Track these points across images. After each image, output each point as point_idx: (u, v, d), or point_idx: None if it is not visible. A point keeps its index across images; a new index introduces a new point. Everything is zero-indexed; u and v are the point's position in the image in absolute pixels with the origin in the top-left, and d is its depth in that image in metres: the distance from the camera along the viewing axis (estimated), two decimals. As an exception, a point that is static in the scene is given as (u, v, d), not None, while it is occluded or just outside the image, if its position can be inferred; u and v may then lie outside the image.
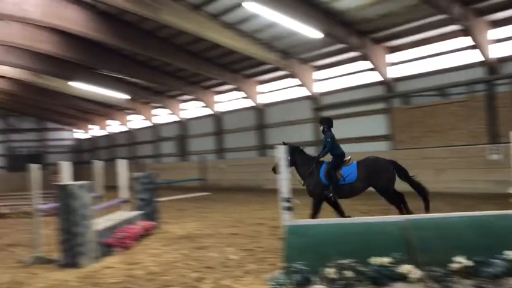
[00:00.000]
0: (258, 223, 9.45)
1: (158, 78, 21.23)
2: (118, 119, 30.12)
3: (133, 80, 22.61)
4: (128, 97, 24.83)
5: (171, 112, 25.52)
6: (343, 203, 8.39)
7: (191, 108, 25.01)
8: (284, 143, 7.83)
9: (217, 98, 22.94)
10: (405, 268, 3.96)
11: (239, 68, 19.33)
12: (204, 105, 22.98)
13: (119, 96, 24.02)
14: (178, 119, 25.40)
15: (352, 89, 16.68)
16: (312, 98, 17.93)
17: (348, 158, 8.20)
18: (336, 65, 17.03)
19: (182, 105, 25.39)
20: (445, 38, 13.92)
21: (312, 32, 13.35)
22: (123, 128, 30.43)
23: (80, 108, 29.91)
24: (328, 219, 5.11)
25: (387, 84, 15.46)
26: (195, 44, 17.30)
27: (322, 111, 17.77)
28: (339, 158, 8.14)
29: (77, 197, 6.48)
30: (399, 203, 7.89)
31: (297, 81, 17.93)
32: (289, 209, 5.03)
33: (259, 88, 20.52)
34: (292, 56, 17.04)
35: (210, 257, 6.49)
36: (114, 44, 17.30)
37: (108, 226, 7.47)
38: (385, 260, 4.02)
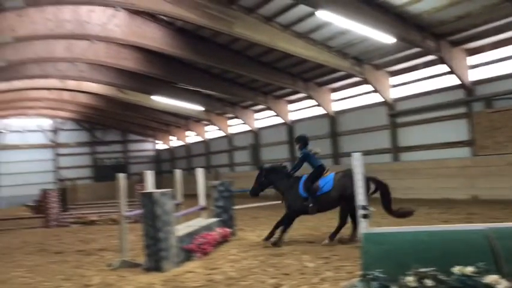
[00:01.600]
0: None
1: (232, 89, 21.82)
2: (195, 130, 31.24)
3: (209, 92, 23.40)
4: (204, 109, 25.76)
5: (244, 122, 26.05)
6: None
7: (264, 118, 25.37)
8: (259, 167, 9.37)
9: (289, 106, 23.09)
10: (491, 278, 3.79)
11: (311, 77, 19.35)
12: (277, 114, 23.22)
13: (195, 108, 25.00)
14: (251, 129, 25.86)
15: (429, 93, 16.06)
16: (387, 104, 17.51)
17: (326, 170, 8.62)
18: (412, 69, 16.50)
19: (255, 115, 25.83)
20: (530, 36, 13.08)
21: (385, 37, 13.10)
22: (200, 139, 31.47)
23: (160, 121, 31.42)
24: (405, 227, 5.01)
25: (467, 87, 14.74)
26: (267, 55, 17.61)
27: (399, 117, 17.29)
28: (318, 170, 8.52)
29: (160, 204, 6.85)
30: (354, 219, 7.61)
31: (370, 87, 17.61)
32: (365, 216, 5.02)
33: (332, 96, 20.38)
34: (365, 62, 16.79)
35: (286, 264, 6.58)
36: (191, 59, 18.09)
37: (188, 232, 7.81)
38: (469, 270, 3.87)
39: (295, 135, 22.51)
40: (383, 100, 17.51)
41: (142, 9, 13.60)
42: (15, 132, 32.87)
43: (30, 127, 33.44)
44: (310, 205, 8.26)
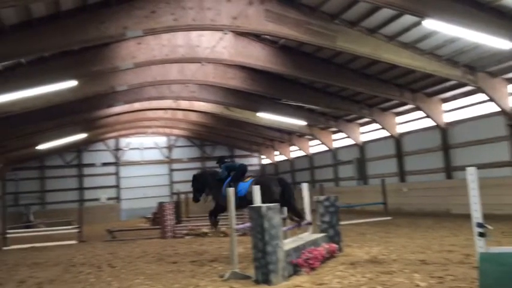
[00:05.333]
0: (447, 250, 8.89)
1: (335, 103, 21.72)
2: (298, 145, 31.50)
3: (312, 106, 23.54)
4: (307, 123, 25.92)
5: (348, 136, 25.70)
6: None
7: (369, 131, 24.81)
8: (193, 175, 10.59)
9: (396, 119, 22.35)
10: None
11: (419, 87, 18.58)
12: (383, 127, 22.59)
13: (299, 123, 25.26)
14: (356, 143, 25.42)
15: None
16: (506, 113, 16.17)
17: (247, 176, 9.74)
18: (534, 75, 15.14)
19: (360, 129, 25.38)
20: None
21: (501, 43, 12.20)
22: (303, 153, 31.65)
23: (264, 136, 32.24)
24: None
25: None
26: (371, 67, 17.32)
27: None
28: (240, 167, 9.87)
29: (267, 218, 7.06)
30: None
31: (485, 96, 16.42)
32: (482, 235, 4.73)
33: (443, 106, 19.34)
34: (478, 70, 15.72)
35: (396, 282, 6.39)
36: (294, 75, 18.40)
37: (295, 246, 7.92)
38: None
39: (403, 149, 21.89)
40: (500, 109, 16.22)
41: (247, 30, 14.19)
42: (134, 150, 35.91)
43: (148, 144, 36.28)
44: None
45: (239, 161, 38.30)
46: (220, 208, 9.89)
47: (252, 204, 8.73)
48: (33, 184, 33.06)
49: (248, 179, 9.57)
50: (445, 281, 6.26)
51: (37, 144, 25.71)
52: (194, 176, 10.55)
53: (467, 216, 5.83)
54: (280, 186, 9.22)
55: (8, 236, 16.72)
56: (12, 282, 8.95)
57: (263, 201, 8.70)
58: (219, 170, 10.31)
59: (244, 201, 9.21)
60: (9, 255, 13.97)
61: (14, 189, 32.06)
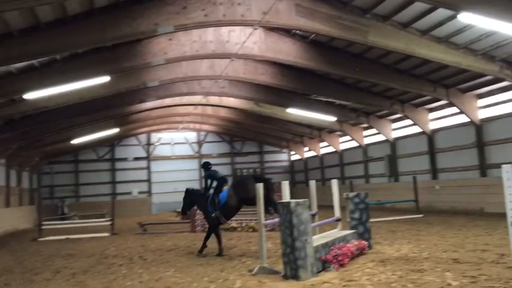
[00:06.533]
0: (480, 249, 8.67)
1: (367, 99, 21.42)
2: (328, 141, 31.26)
3: (342, 102, 23.30)
4: (337, 119, 25.68)
5: (379, 132, 25.34)
6: None
7: (401, 127, 24.38)
8: (186, 189, 11.24)
9: (429, 115, 21.88)
10: None
11: (453, 83, 18.12)
12: (415, 123, 22.16)
13: (329, 119, 25.05)
14: (387, 139, 25.04)
15: None
16: (545, 110, 15.60)
17: (226, 183, 10.44)
18: None
19: (391, 125, 24.97)
20: None
21: (541, 36, 11.78)
22: (332, 149, 31.40)
23: (294, 132, 32.13)
24: None
25: None
26: (403, 62, 16.97)
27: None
28: (220, 181, 10.32)
29: (296, 213, 7.05)
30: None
31: (524, 92, 15.90)
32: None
33: (477, 102, 18.81)
34: (517, 65, 15.24)
35: (427, 281, 6.28)
36: (324, 70, 18.24)
37: (324, 242, 7.88)
38: None
39: (436, 145, 21.42)
40: (540, 105, 15.68)
41: (278, 25, 14.15)
42: (165, 145, 36.44)
43: (178, 140, 36.74)
44: (213, 215, 10.13)
45: (268, 157, 38.51)
46: (213, 228, 10.49)
47: (234, 206, 10.06)
48: (68, 177, 34.02)
49: (225, 187, 10.37)
50: (478, 280, 6.11)
51: (71, 139, 26.42)
52: (187, 191, 11.22)
53: (502, 215, 5.67)
54: (260, 182, 9.27)
55: (43, 227, 17.27)
56: (48, 271, 9.25)
57: (241, 197, 9.80)
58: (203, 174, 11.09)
59: (227, 205, 10.04)
60: (45, 246, 14.44)
61: (49, 182, 33.13)
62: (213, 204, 10.20)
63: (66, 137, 26.06)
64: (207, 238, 10.43)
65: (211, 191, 10.50)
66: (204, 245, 10.36)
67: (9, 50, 12.05)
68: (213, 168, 10.92)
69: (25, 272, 9.43)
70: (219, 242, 10.30)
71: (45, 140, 25.46)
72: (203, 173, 10.97)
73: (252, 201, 8.94)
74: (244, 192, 9.66)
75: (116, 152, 35.42)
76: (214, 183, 10.59)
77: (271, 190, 9.62)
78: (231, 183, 10.34)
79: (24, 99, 16.50)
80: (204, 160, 11.37)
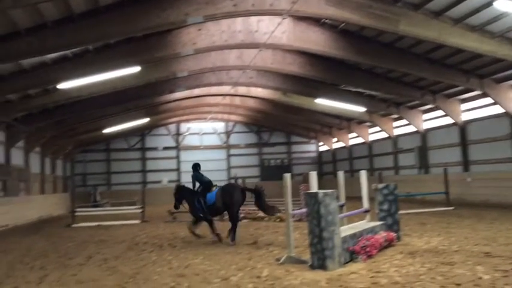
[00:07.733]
0: (515, 243, 8.47)
1: (397, 89, 21.05)
2: (357, 132, 30.92)
3: (372, 92, 22.99)
4: (367, 110, 25.35)
5: (409, 123, 24.90)
6: None
7: (432, 118, 23.89)
8: (176, 186, 12.17)
9: (461, 106, 21.36)
10: None
11: (488, 72, 17.60)
12: (447, 114, 21.67)
13: (358, 109, 24.75)
14: (417, 130, 24.59)
15: None
16: None
17: (214, 185, 11.20)
18: None
19: (422, 116, 24.49)
20: None
21: None
22: (361, 140, 31.06)
23: (322, 123, 31.91)
24: None
25: None
26: (435, 51, 16.60)
27: None
28: (206, 185, 11.13)
29: (324, 204, 7.03)
30: (233, 225, 10.54)
31: (562, 82, 15.32)
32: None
33: (513, 93, 18.25)
34: (555, 54, 14.69)
35: (457, 274, 6.18)
36: (354, 60, 18.01)
37: (352, 233, 7.85)
38: None
39: (468, 137, 20.92)
40: None
41: (307, 14, 14.04)
42: (194, 135, 36.79)
43: (207, 130, 37.03)
44: (200, 214, 11.02)
45: (295, 148, 38.39)
46: (198, 220, 11.49)
47: (222, 207, 10.81)
48: (100, 166, 34.84)
49: (214, 188, 11.09)
50: (510, 274, 5.99)
51: (103, 128, 27.01)
52: (177, 187, 11.99)
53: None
54: (249, 192, 10.86)
55: (76, 214, 17.78)
56: (80, 256, 9.54)
57: (227, 205, 10.64)
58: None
59: (214, 206, 10.80)
60: (78, 232, 14.87)
61: (82, 171, 34.04)
62: (199, 203, 11.02)
63: (98, 126, 26.66)
64: (195, 222, 11.52)
65: (198, 190, 11.26)
66: (230, 233, 10.71)
67: (45, 41, 12.39)
68: (213, 168, 11.60)
69: (59, 256, 9.75)
70: (212, 228, 11.07)
71: (78, 129, 26.13)
72: (192, 173, 11.55)
73: (235, 206, 10.56)
74: (229, 198, 10.61)
75: (146, 142, 36.01)
76: (198, 185, 11.31)
77: (261, 197, 10.62)
78: (221, 187, 11.05)
79: (57, 89, 16.96)
80: (194, 162, 12.03)
